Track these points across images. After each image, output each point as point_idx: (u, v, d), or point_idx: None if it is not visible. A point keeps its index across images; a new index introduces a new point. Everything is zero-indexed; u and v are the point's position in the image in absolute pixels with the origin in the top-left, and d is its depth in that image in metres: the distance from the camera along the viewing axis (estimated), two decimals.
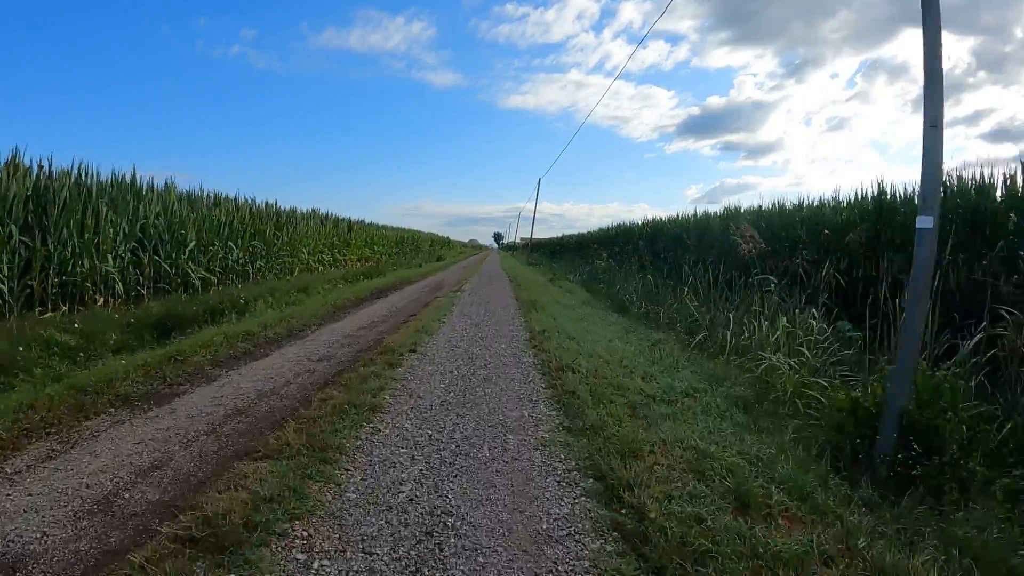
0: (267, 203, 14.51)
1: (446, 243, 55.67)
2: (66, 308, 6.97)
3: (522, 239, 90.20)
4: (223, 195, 12.21)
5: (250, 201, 13.02)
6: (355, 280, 15.59)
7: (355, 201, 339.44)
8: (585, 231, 28.13)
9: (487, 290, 14.63)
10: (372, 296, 12.69)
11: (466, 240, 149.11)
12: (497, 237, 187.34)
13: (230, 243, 11.56)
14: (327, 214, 19.45)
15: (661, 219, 15.06)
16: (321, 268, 17.43)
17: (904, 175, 13.57)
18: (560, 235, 37.24)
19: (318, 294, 11.80)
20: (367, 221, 24.11)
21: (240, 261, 12.07)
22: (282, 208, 15.14)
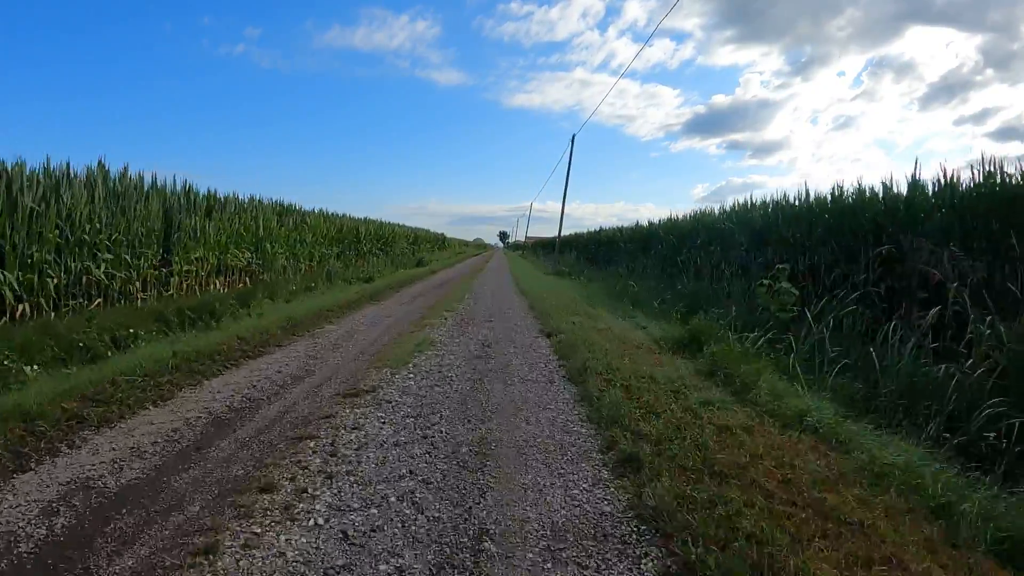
0: None
1: (439, 241, 44.25)
2: None
3: (528, 238, 78.96)
4: None
5: None
6: None
7: (361, 201, 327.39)
8: (643, 223, 16.76)
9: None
10: None
11: (471, 239, 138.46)
12: (502, 236, 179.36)
13: None
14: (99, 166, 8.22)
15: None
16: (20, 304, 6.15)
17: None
18: (597, 228, 25.60)
19: None
20: (248, 198, 12.79)
21: None
22: None
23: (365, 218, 22.89)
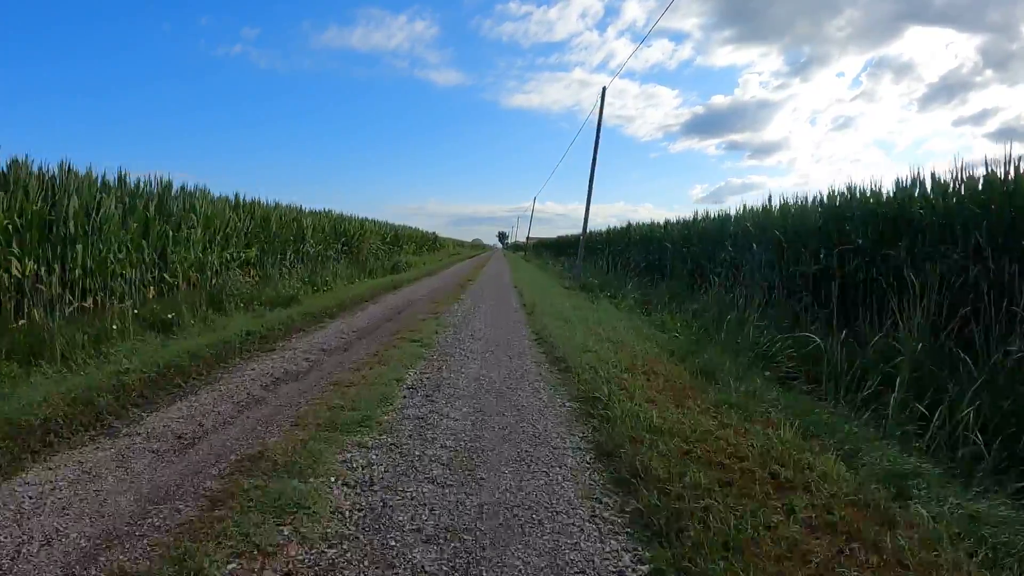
0: None
1: (430, 241, 38.61)
2: None
3: (529, 238, 73.50)
4: None
5: None
6: None
7: (362, 202, 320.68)
8: (700, 216, 11.20)
9: None
10: None
11: (469, 239, 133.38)
12: (501, 236, 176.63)
13: None
14: None
15: None
16: None
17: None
18: (645, 221, 19.78)
19: None
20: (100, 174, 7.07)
21: None
22: None
23: (327, 210, 17.29)
